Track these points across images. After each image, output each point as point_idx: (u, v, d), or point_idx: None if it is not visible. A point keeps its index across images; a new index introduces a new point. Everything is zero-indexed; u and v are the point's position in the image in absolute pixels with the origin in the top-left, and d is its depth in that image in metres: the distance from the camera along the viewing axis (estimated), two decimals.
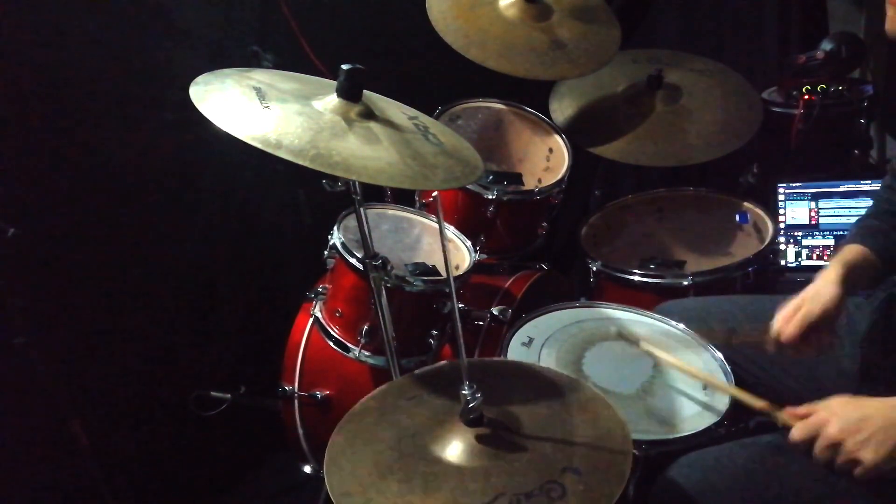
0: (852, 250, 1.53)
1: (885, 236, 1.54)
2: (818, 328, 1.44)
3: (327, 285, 1.88)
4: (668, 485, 1.33)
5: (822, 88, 2.43)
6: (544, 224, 2.21)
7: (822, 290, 1.46)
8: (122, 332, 2.04)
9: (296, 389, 1.97)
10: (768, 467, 1.32)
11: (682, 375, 1.57)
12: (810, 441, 1.25)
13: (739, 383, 1.54)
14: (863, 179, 2.30)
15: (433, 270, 1.83)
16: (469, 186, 2.04)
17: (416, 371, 1.42)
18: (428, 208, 2.09)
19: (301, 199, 2.41)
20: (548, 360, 1.58)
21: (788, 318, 1.46)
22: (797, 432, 1.27)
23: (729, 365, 1.58)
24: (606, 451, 1.19)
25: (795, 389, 1.55)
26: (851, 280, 1.47)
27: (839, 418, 1.23)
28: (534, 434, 1.21)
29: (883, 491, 1.26)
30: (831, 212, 2.30)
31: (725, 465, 1.33)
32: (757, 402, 1.40)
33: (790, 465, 1.32)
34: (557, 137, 2.28)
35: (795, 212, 2.32)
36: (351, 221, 1.85)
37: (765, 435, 1.44)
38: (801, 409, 1.30)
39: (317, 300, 1.91)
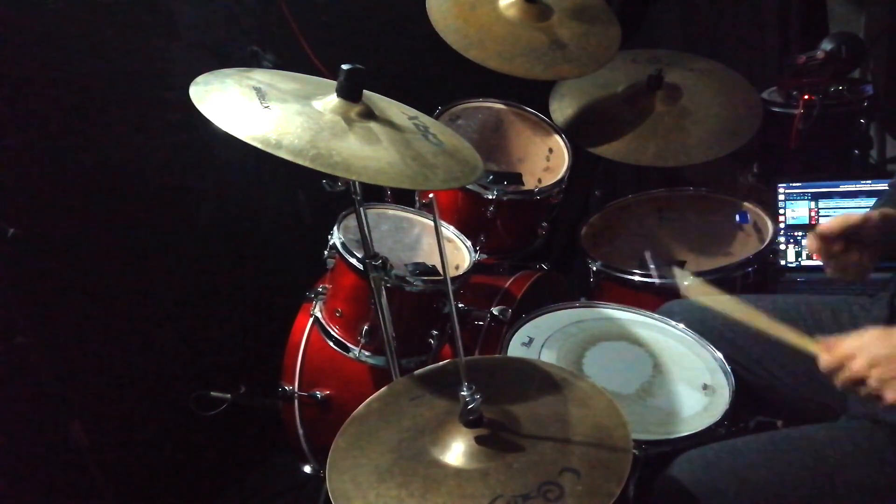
0: (881, 209, 1.52)
1: None
2: (858, 245, 1.44)
3: (327, 285, 1.88)
4: (669, 482, 1.34)
5: (821, 88, 2.43)
6: (544, 224, 2.21)
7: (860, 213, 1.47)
8: (122, 332, 2.04)
9: (296, 389, 1.97)
10: (769, 463, 1.32)
11: (682, 376, 1.57)
12: (836, 371, 1.24)
13: (740, 384, 1.54)
14: (863, 179, 2.30)
15: (433, 270, 1.83)
16: (469, 186, 2.03)
17: (418, 371, 1.42)
18: (428, 208, 2.09)
19: (301, 199, 2.41)
20: (548, 361, 1.58)
21: (832, 220, 1.46)
22: (824, 362, 1.26)
23: (729, 365, 1.58)
24: (606, 450, 1.19)
25: (797, 389, 1.55)
26: (889, 223, 1.47)
27: (866, 353, 1.22)
28: (533, 434, 1.21)
29: (883, 485, 1.27)
30: (831, 212, 2.30)
31: (727, 461, 1.33)
32: (805, 344, 1.35)
33: (791, 461, 1.32)
34: (557, 137, 2.28)
35: (795, 212, 2.32)
36: (351, 221, 1.85)
37: (766, 432, 1.44)
38: (833, 341, 1.28)
39: (317, 300, 1.91)
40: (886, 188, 1.68)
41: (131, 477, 2.05)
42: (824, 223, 1.48)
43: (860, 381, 1.21)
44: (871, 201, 1.66)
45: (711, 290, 1.57)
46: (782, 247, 2.30)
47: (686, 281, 1.62)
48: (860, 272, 1.47)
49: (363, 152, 1.29)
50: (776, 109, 2.47)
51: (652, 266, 1.97)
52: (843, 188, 2.29)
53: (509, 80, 2.04)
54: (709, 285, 1.59)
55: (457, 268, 1.91)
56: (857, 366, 1.21)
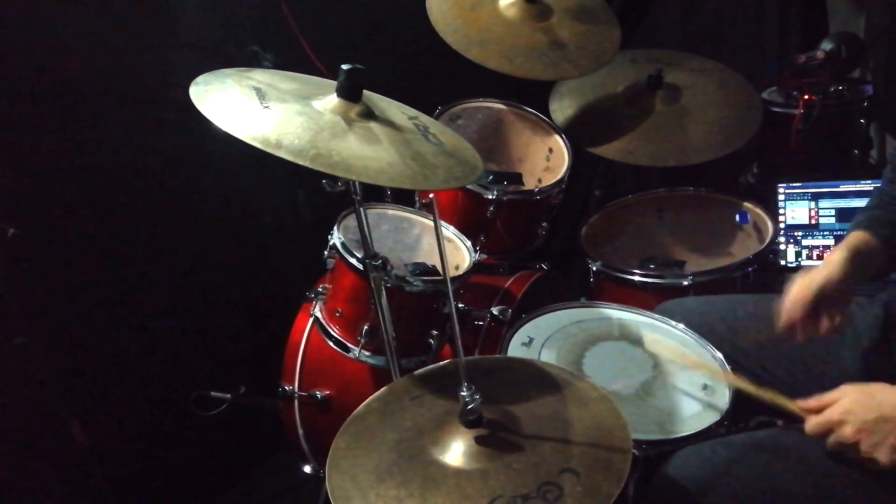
0: (858, 237, 1.51)
1: (892, 226, 1.53)
2: (826, 307, 1.43)
3: (327, 285, 1.88)
4: (666, 479, 1.34)
5: (821, 88, 2.43)
6: (544, 224, 2.21)
7: (823, 269, 1.46)
8: (122, 332, 2.04)
9: (296, 389, 1.97)
10: (765, 460, 1.32)
11: (682, 376, 1.57)
12: (824, 435, 1.25)
13: None
14: (863, 179, 2.30)
15: (433, 270, 1.83)
16: (469, 186, 2.04)
17: (418, 371, 1.42)
18: (428, 208, 2.09)
19: (301, 199, 2.41)
20: (548, 361, 1.58)
21: (794, 298, 1.45)
22: (811, 427, 1.27)
23: (729, 365, 1.58)
24: (606, 450, 1.19)
25: (797, 389, 1.55)
26: (856, 263, 1.46)
27: (855, 419, 1.22)
28: (533, 434, 1.21)
29: (877, 485, 1.27)
30: (831, 212, 2.30)
31: (722, 458, 1.33)
32: (768, 395, 1.38)
33: (786, 457, 1.32)
34: (557, 137, 2.28)
35: (795, 212, 2.32)
36: (351, 221, 1.85)
37: (763, 429, 1.44)
38: (813, 402, 1.29)
39: (317, 300, 1.91)
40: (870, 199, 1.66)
41: (131, 477, 2.05)
42: (786, 308, 1.45)
43: (849, 446, 1.22)
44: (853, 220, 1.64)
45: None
46: (782, 247, 2.30)
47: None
48: (840, 326, 1.45)
49: (363, 152, 1.29)
50: (776, 109, 2.47)
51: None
52: (843, 188, 2.29)
53: (509, 80, 2.04)
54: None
55: (457, 268, 1.91)
56: (847, 432, 1.22)
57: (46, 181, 1.84)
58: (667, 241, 2.34)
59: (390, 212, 2.02)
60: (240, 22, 2.18)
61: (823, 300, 1.43)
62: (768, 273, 2.16)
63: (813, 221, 2.31)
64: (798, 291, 1.45)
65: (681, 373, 1.58)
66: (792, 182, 2.33)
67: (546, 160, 2.30)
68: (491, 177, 2.10)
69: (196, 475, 2.23)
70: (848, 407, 1.24)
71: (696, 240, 2.32)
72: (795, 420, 1.33)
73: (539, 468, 1.15)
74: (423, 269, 1.82)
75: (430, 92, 2.13)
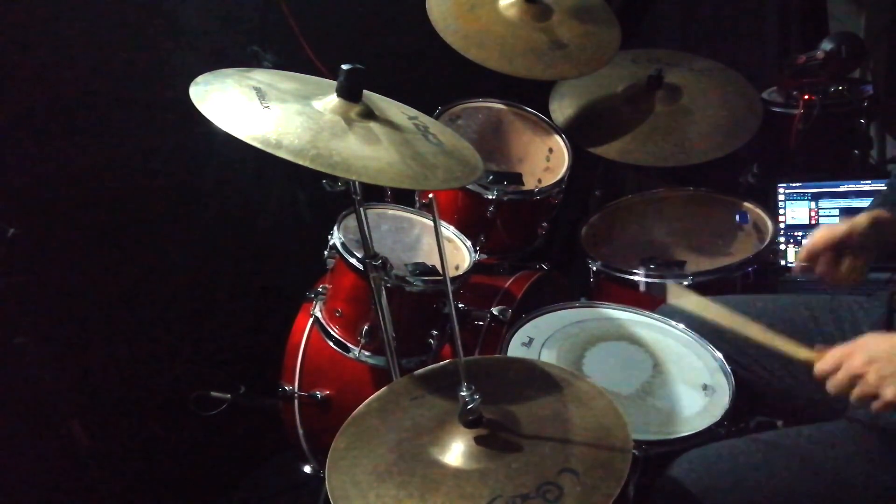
0: (876, 211, 1.52)
1: None
2: (848, 255, 1.43)
3: (327, 285, 1.88)
4: (670, 483, 1.34)
5: (821, 88, 2.43)
6: (544, 224, 2.21)
7: (848, 221, 1.47)
8: (122, 332, 2.04)
9: (296, 389, 1.97)
10: (769, 464, 1.32)
11: (682, 376, 1.57)
12: (832, 373, 1.23)
13: (740, 384, 1.54)
14: (863, 179, 2.30)
15: (433, 270, 1.83)
16: (469, 186, 2.03)
17: (418, 371, 1.42)
18: (428, 208, 2.09)
19: (301, 199, 2.41)
20: (548, 361, 1.58)
21: (818, 234, 1.46)
22: (821, 364, 1.25)
23: (729, 365, 1.58)
24: (605, 451, 1.19)
25: (797, 389, 1.55)
26: (878, 226, 1.46)
27: (865, 350, 1.21)
28: (533, 434, 1.21)
29: (884, 487, 1.27)
30: (831, 212, 2.30)
31: (727, 461, 1.33)
32: (798, 352, 1.35)
33: (791, 462, 1.32)
34: (557, 137, 2.28)
35: (795, 212, 2.32)
36: (351, 221, 1.85)
37: (766, 432, 1.44)
38: (830, 350, 1.28)
39: (317, 300, 1.91)
40: (884, 188, 1.67)
41: (131, 477, 2.05)
42: (809, 239, 1.47)
43: (857, 378, 1.20)
44: (871, 202, 1.65)
45: (696, 295, 1.56)
46: (782, 247, 2.30)
47: (673, 292, 1.61)
48: (857, 276, 1.46)
49: (363, 152, 1.29)
50: (776, 109, 2.47)
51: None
52: (843, 188, 2.29)
53: (509, 80, 2.04)
54: (693, 292, 1.58)
55: (457, 268, 1.91)
56: (856, 362, 1.20)
57: (46, 181, 1.84)
58: (667, 241, 2.34)
59: (390, 212, 2.02)
60: (240, 22, 2.18)
61: (847, 246, 1.43)
62: (768, 273, 2.16)
63: (813, 221, 2.31)
64: (823, 230, 1.45)
65: (681, 373, 1.58)
66: (792, 182, 2.33)
67: (546, 160, 2.30)
68: (491, 177, 2.10)
69: (196, 475, 2.23)
70: (862, 342, 1.24)
71: (696, 240, 2.31)
72: (797, 420, 1.33)
73: (539, 468, 1.15)
74: (423, 269, 1.82)
75: (430, 92, 2.13)
